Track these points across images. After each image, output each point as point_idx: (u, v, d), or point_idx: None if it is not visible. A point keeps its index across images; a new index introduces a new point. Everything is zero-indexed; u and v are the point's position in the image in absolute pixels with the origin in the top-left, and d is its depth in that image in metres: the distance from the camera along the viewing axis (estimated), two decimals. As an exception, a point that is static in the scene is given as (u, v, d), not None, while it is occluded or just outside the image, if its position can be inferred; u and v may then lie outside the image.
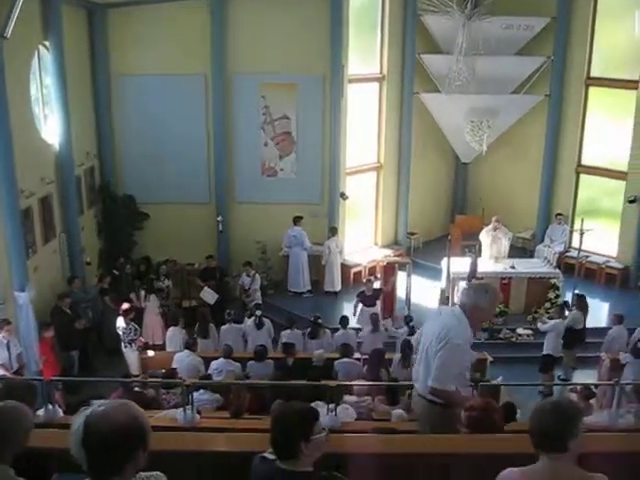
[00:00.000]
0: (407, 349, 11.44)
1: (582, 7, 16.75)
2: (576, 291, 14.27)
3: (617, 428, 6.40)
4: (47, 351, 11.68)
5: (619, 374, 10.83)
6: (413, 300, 15.28)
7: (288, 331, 12.67)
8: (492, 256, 15.87)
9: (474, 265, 14.73)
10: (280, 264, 16.82)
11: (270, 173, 17.06)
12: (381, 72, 17.87)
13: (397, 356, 11.53)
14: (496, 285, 13.31)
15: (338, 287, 16.71)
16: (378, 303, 14.46)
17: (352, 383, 10.13)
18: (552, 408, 3.33)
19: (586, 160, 17.80)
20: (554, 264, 16.07)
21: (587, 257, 16.70)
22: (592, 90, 17.33)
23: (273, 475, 3.38)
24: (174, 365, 10.84)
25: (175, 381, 9.49)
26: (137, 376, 11.44)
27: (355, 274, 17.32)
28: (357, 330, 13.29)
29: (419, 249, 18.71)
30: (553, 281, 15.15)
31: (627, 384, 8.93)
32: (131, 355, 12.38)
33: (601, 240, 16.88)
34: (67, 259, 14.12)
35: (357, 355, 11.83)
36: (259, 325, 12.83)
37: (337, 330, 12.85)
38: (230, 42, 15.99)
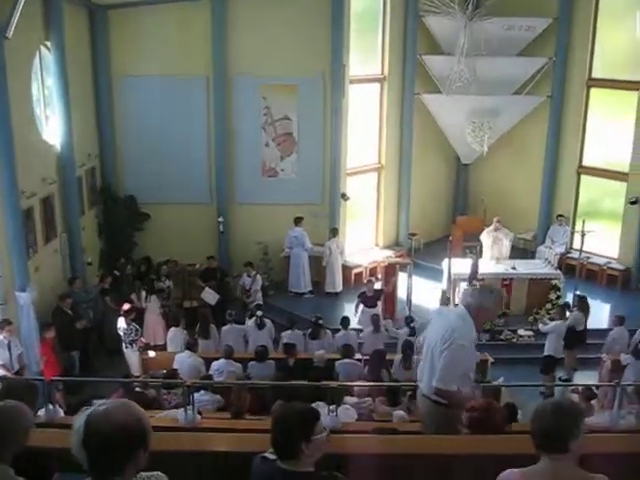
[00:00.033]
0: (408, 350, 11.44)
1: (584, 8, 16.75)
2: (577, 292, 14.27)
3: (618, 429, 6.39)
4: (48, 351, 11.67)
5: (620, 375, 10.83)
6: (414, 301, 15.28)
7: (289, 332, 12.66)
8: (493, 257, 15.87)
9: (475, 266, 14.72)
10: (281, 265, 16.82)
11: (271, 174, 17.06)
12: (382, 73, 17.87)
13: (398, 357, 11.53)
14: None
15: (339, 288, 16.70)
16: (379, 304, 14.45)
17: (353, 384, 10.13)
18: (553, 409, 3.33)
19: (587, 161, 17.80)
20: (555, 265, 16.06)
21: (588, 258, 16.68)
22: (594, 91, 17.32)
23: (274, 475, 3.38)
24: (175, 366, 10.84)
25: (176, 381, 9.51)
26: (138, 377, 11.45)
27: (356, 275, 17.32)
28: (358, 331, 13.28)
29: (420, 250, 18.69)
30: (554, 282, 15.14)
31: (628, 385, 8.92)
32: (132, 356, 12.38)
33: (602, 241, 16.85)
34: (68, 259, 14.12)
35: (358, 356, 11.81)
36: (260, 326, 12.83)
37: (338, 331, 12.84)
38: (231, 43, 16.00)
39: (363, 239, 18.65)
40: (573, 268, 15.95)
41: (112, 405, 2.67)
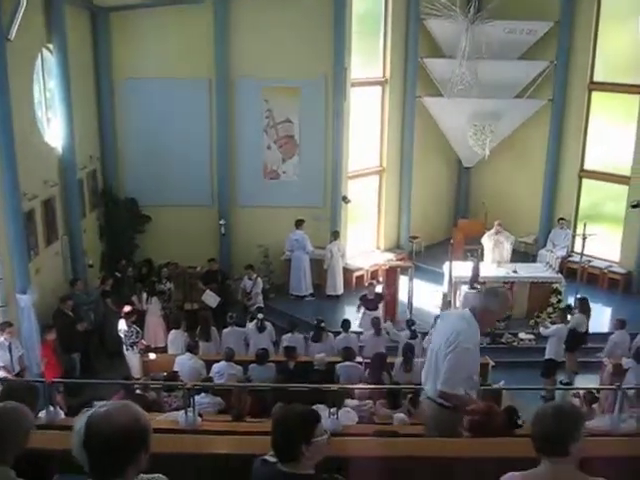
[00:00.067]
0: (409, 353, 11.44)
1: (585, 11, 16.75)
2: (578, 296, 14.24)
3: (619, 432, 6.39)
4: (49, 353, 11.67)
5: (621, 379, 10.82)
6: (415, 304, 15.26)
7: (289, 335, 12.65)
8: (494, 260, 15.86)
9: (476, 269, 14.73)
10: (282, 267, 16.82)
11: (273, 176, 17.07)
12: (384, 76, 17.87)
13: (399, 360, 11.51)
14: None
15: (340, 291, 16.69)
16: (380, 307, 14.45)
17: (354, 386, 10.13)
18: (554, 412, 3.32)
19: (589, 165, 17.79)
20: (556, 269, 16.04)
21: (590, 262, 16.68)
22: (595, 95, 17.31)
23: (274, 478, 3.38)
24: (176, 368, 10.84)
25: (176, 384, 9.51)
26: (138, 379, 11.45)
27: (357, 278, 17.30)
28: (358, 334, 13.27)
29: (421, 253, 18.67)
30: (555, 286, 15.13)
31: (629, 389, 8.91)
32: (133, 358, 12.38)
33: (604, 245, 16.82)
34: (69, 262, 14.13)
35: (359, 359, 11.81)
36: (261, 328, 12.83)
37: (339, 334, 12.83)
38: (233, 46, 16.02)
39: (364, 242, 18.64)
40: (574, 272, 15.93)
41: (113, 407, 2.67)
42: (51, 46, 13.48)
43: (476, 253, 15.56)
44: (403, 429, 7.54)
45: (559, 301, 14.90)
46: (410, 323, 12.96)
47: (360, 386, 10.29)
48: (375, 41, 17.70)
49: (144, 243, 16.69)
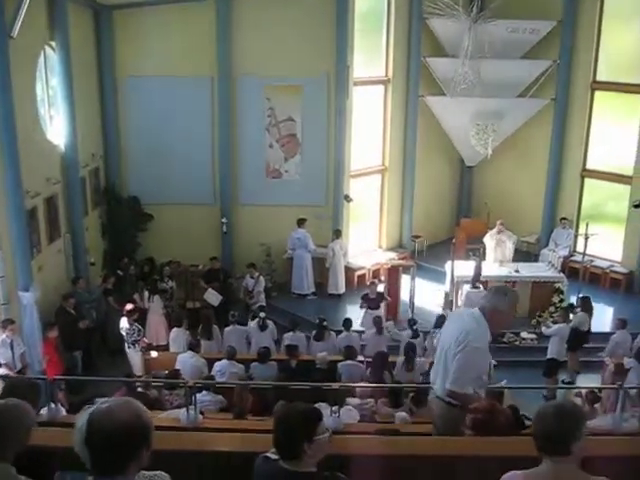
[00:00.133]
0: (411, 352, 11.44)
1: (588, 11, 16.72)
2: (580, 295, 14.23)
3: (621, 432, 6.38)
4: (51, 351, 11.68)
5: (623, 378, 10.80)
6: (417, 303, 15.26)
7: (291, 333, 12.65)
8: (496, 260, 15.86)
9: (478, 269, 14.72)
10: (284, 266, 16.82)
11: (275, 175, 17.07)
12: (386, 75, 17.87)
13: (400, 359, 11.52)
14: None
15: (342, 290, 16.69)
16: (382, 305, 14.45)
17: (355, 385, 10.13)
18: (555, 411, 3.31)
19: (591, 164, 17.76)
20: (558, 268, 16.02)
21: (592, 261, 16.68)
22: (598, 94, 17.29)
23: (276, 475, 3.38)
24: (177, 366, 10.85)
25: (178, 381, 9.51)
26: (140, 377, 11.45)
27: (359, 277, 17.30)
28: (360, 332, 13.27)
29: (423, 252, 18.67)
30: (557, 285, 15.12)
31: (631, 388, 8.90)
32: (134, 356, 12.38)
33: (606, 245, 16.82)
34: (71, 259, 14.15)
35: (360, 358, 11.81)
36: (263, 327, 12.83)
37: (340, 332, 12.83)
38: (236, 44, 16.02)
39: (366, 241, 18.64)
40: (576, 271, 15.92)
41: (115, 403, 2.67)
42: (54, 44, 13.49)
43: (478, 252, 15.53)
44: (405, 428, 7.54)
45: (561, 301, 14.88)
46: (412, 322, 12.95)
47: (362, 384, 10.29)
48: (378, 40, 17.70)
49: (146, 241, 16.70)
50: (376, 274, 17.20)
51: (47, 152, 13.32)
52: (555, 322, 13.31)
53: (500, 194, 18.52)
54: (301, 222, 16.24)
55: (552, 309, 14.77)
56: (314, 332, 12.73)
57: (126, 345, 12.41)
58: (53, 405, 6.55)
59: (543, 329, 13.25)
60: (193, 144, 16.47)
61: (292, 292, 16.60)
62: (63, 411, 6.75)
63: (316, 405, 5.12)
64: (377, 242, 18.89)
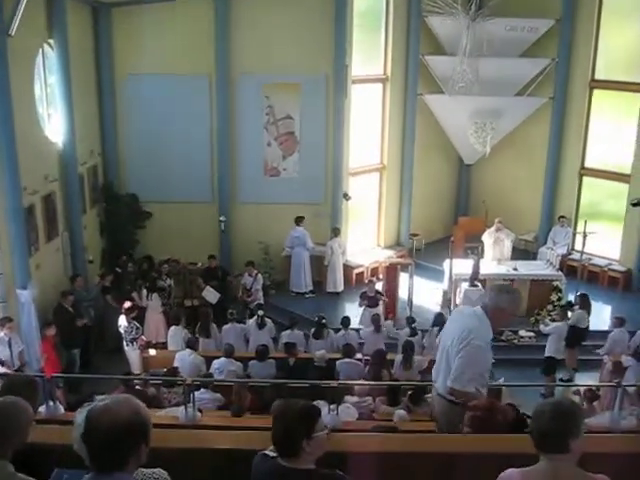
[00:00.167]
0: (409, 350, 11.45)
1: (587, 9, 16.71)
2: (578, 292, 14.24)
3: (619, 429, 6.39)
4: (49, 349, 11.68)
5: (621, 376, 10.83)
6: (415, 301, 15.28)
7: (289, 331, 12.66)
8: (495, 258, 15.86)
9: (476, 267, 14.72)
10: (282, 264, 16.81)
11: (273, 173, 17.06)
12: (385, 73, 17.86)
13: (399, 357, 11.53)
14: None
15: (340, 288, 16.69)
16: (380, 304, 14.45)
17: (353, 382, 10.13)
18: (552, 409, 3.32)
19: (590, 162, 17.76)
20: (557, 266, 16.02)
21: (590, 260, 16.70)
22: (596, 92, 17.28)
23: (274, 472, 3.38)
24: (176, 364, 10.84)
25: (176, 379, 9.51)
26: (138, 375, 11.45)
27: (357, 275, 17.30)
28: (358, 330, 13.27)
29: (421, 250, 18.65)
30: (556, 283, 15.12)
31: (629, 386, 8.92)
32: (132, 354, 12.39)
33: (604, 243, 16.81)
34: (69, 257, 14.14)
35: (359, 355, 11.82)
36: (261, 325, 12.83)
37: (339, 330, 12.84)
38: (234, 42, 16.01)
39: (365, 239, 18.64)
40: (574, 269, 15.94)
41: (113, 400, 2.67)
42: (52, 41, 13.48)
43: (476, 250, 15.55)
44: (403, 425, 7.55)
45: (559, 299, 14.89)
46: (410, 320, 12.97)
47: (360, 382, 10.30)
48: (376, 38, 17.68)
49: (144, 239, 16.70)
50: (374, 272, 17.22)
51: (45, 150, 13.31)
52: (553, 320, 13.32)
53: (498, 192, 18.54)
54: (299, 220, 16.24)
55: (550, 307, 14.76)
56: (313, 330, 12.73)
57: (124, 343, 12.42)
58: (51, 403, 6.55)
59: (541, 327, 13.26)
60: (191, 142, 16.46)
61: (290, 290, 16.61)
62: (61, 409, 6.75)
63: (314, 403, 5.12)
64: (375, 240, 18.89)
